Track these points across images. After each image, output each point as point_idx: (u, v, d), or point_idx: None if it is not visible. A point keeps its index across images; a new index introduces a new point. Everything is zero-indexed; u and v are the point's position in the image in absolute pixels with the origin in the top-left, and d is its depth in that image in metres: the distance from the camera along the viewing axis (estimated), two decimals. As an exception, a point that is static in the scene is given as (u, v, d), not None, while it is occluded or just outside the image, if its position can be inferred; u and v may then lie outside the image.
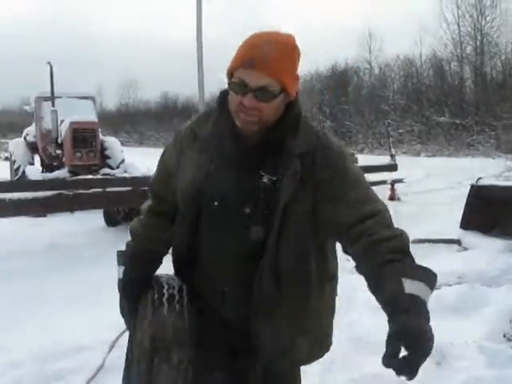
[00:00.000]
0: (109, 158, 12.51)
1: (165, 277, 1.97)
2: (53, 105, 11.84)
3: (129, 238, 2.14)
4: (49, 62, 11.76)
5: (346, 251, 1.80)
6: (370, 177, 12.39)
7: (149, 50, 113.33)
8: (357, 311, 4.50)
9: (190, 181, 1.85)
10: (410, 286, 1.49)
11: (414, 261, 1.61)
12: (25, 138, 14.41)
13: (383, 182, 12.76)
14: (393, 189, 13.06)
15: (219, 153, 1.84)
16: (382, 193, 12.61)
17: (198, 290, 1.93)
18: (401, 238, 1.67)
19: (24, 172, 12.41)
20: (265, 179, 1.77)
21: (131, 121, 63.25)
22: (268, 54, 1.68)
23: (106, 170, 11.56)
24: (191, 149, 1.89)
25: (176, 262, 2.00)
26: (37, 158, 14.29)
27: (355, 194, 1.76)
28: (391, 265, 1.57)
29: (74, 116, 11.85)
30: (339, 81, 49.99)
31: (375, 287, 1.60)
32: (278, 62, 1.69)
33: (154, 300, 1.89)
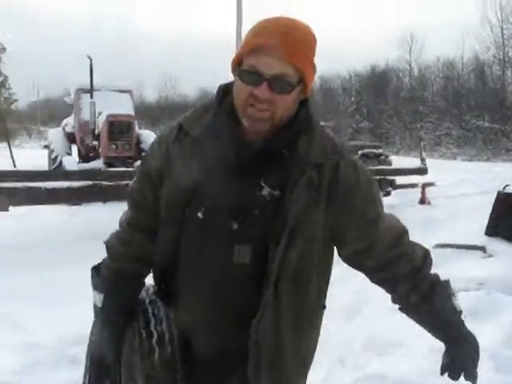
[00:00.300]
0: (144, 150, 12.76)
1: (147, 301, 1.69)
2: (91, 97, 12.15)
3: None
4: (89, 56, 12.06)
5: (363, 271, 1.70)
6: (401, 179, 12.47)
7: (189, 45, 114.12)
8: (369, 311, 4.59)
9: (175, 187, 1.57)
10: (458, 305, 1.68)
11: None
12: (63, 129, 14.80)
13: (414, 185, 12.74)
14: (423, 192, 13.01)
15: (213, 156, 1.54)
16: (412, 196, 12.63)
17: (177, 318, 1.65)
18: (428, 256, 1.68)
19: (61, 162, 12.75)
20: (264, 192, 1.50)
21: (169, 114, 63.78)
22: (286, 38, 1.43)
23: (141, 163, 11.77)
24: (179, 150, 1.59)
25: (158, 283, 1.72)
26: (74, 148, 14.65)
27: (382, 212, 1.62)
28: (435, 290, 1.64)
29: (111, 109, 12.15)
30: (378, 81, 49.70)
31: (426, 311, 1.65)
32: (297, 48, 1.44)
33: (142, 342, 1.62)
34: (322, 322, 1.76)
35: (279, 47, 1.43)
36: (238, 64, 1.50)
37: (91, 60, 12.10)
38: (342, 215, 1.54)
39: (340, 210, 1.54)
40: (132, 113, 13.05)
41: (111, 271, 1.73)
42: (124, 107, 12.97)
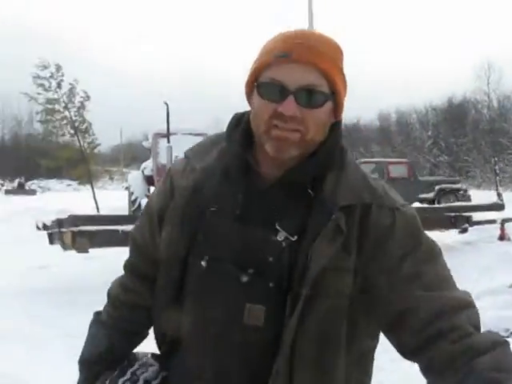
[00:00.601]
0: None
1: (141, 361, 1.44)
2: (168, 141, 12.62)
3: None
4: (165, 102, 12.59)
5: (405, 355, 1.22)
6: (479, 215, 12.15)
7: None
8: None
9: (176, 229, 1.32)
10: None
11: None
12: (142, 172, 15.38)
13: (492, 222, 12.39)
14: (503, 228, 12.61)
15: (220, 192, 1.29)
16: (491, 232, 12.25)
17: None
18: (504, 345, 1.12)
19: (140, 204, 13.24)
20: (280, 237, 1.21)
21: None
22: (314, 44, 1.21)
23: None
24: (183, 184, 1.35)
25: (157, 341, 1.44)
26: (153, 190, 15.16)
27: (431, 274, 1.20)
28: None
29: (186, 152, 12.57)
30: (456, 114, 48.86)
31: None
32: (325, 53, 1.21)
33: None
34: (377, 358, 1.37)
35: (305, 52, 1.19)
36: (254, 79, 1.26)
37: (168, 106, 12.61)
38: (373, 267, 1.21)
39: (370, 260, 1.21)
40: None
41: (112, 319, 1.51)
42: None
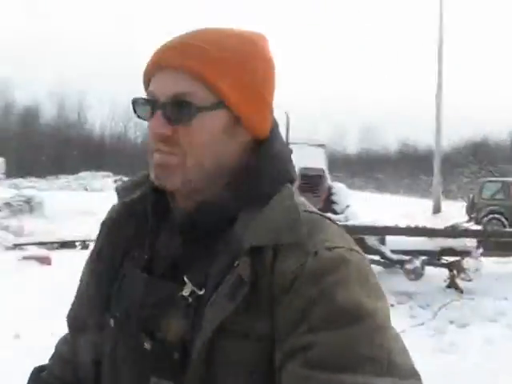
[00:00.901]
0: (335, 203, 13.26)
1: None
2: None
3: None
4: (286, 113, 12.90)
5: None
6: None
7: (391, 96, 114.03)
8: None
9: (95, 280, 1.10)
10: None
11: None
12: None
13: None
14: None
15: (136, 234, 1.07)
16: None
17: None
18: None
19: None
20: (186, 290, 0.94)
21: (370, 167, 63.81)
22: (189, 41, 0.95)
23: (329, 215, 12.25)
24: (106, 230, 1.12)
25: None
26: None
27: (326, 345, 0.83)
28: None
29: (304, 162, 12.82)
30: None
31: None
32: (204, 51, 0.94)
33: None
34: None
35: (174, 53, 0.94)
36: None
37: (288, 117, 12.92)
38: (274, 327, 0.89)
39: (273, 329, 0.89)
40: (323, 166, 13.62)
41: (54, 378, 1.21)
42: (317, 161, 13.60)
